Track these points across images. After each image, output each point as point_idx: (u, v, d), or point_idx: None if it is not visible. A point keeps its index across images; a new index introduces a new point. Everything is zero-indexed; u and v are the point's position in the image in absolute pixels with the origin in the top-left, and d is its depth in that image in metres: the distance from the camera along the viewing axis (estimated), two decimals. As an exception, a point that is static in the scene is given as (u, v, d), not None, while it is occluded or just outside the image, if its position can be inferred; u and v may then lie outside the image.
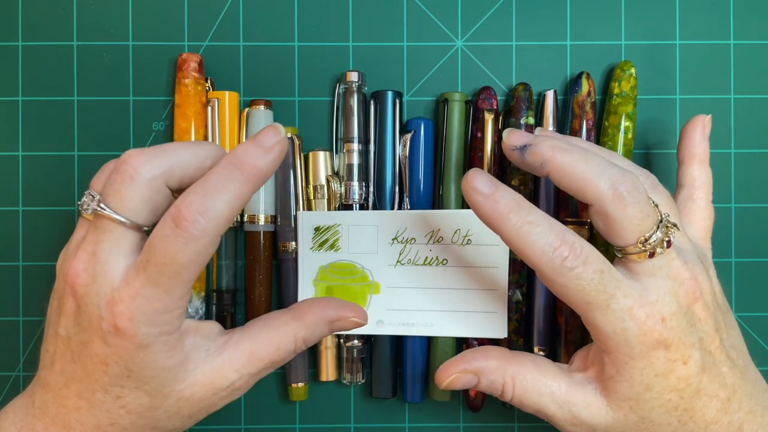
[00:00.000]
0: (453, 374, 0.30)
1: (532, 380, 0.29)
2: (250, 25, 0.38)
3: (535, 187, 0.37)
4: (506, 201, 0.28)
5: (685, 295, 0.28)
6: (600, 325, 0.28)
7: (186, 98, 0.37)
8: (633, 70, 0.36)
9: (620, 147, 0.36)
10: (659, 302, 0.28)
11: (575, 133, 0.36)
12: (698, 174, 0.33)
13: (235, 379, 0.28)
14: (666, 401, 0.28)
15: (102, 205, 0.26)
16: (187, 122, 0.37)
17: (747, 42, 0.38)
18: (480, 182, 0.28)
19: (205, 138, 0.37)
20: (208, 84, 0.37)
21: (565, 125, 0.37)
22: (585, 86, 0.36)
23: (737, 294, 0.38)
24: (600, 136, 0.37)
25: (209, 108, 0.37)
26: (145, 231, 0.27)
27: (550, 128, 0.37)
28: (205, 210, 0.25)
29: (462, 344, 0.37)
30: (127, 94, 0.38)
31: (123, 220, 0.26)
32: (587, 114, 0.36)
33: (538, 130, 0.32)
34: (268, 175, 0.27)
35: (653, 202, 0.28)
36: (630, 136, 0.36)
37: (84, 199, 0.27)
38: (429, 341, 0.37)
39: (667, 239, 0.28)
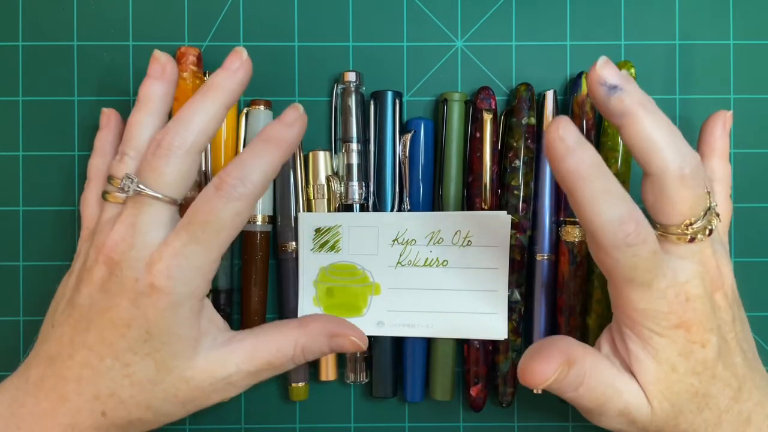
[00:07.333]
0: (556, 370, 0.28)
1: (601, 370, 0.29)
2: (250, 25, 0.38)
3: (535, 186, 0.37)
4: (592, 162, 0.26)
5: (711, 282, 0.29)
6: (633, 300, 0.28)
7: (184, 92, 0.36)
8: (633, 70, 0.36)
9: (620, 147, 0.36)
10: (688, 283, 0.28)
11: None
12: (718, 168, 0.33)
13: (232, 372, 0.30)
14: (689, 386, 0.28)
15: (141, 186, 0.29)
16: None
17: (747, 42, 0.38)
18: (569, 133, 0.25)
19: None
20: (206, 78, 0.37)
21: (565, 125, 0.37)
22: (585, 86, 0.36)
23: (737, 294, 0.38)
24: (600, 136, 0.37)
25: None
26: (179, 205, 0.30)
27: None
28: (243, 176, 0.28)
29: (462, 345, 0.37)
30: (127, 94, 0.38)
31: (161, 196, 0.29)
32: (587, 114, 0.36)
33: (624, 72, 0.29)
34: (294, 147, 0.30)
35: (707, 189, 0.28)
36: (630, 136, 0.36)
37: (124, 182, 0.29)
38: (429, 341, 0.37)
39: (709, 228, 0.28)
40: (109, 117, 0.35)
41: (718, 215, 0.28)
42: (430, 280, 0.36)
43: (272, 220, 0.37)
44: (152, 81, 0.31)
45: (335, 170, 0.37)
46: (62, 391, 0.29)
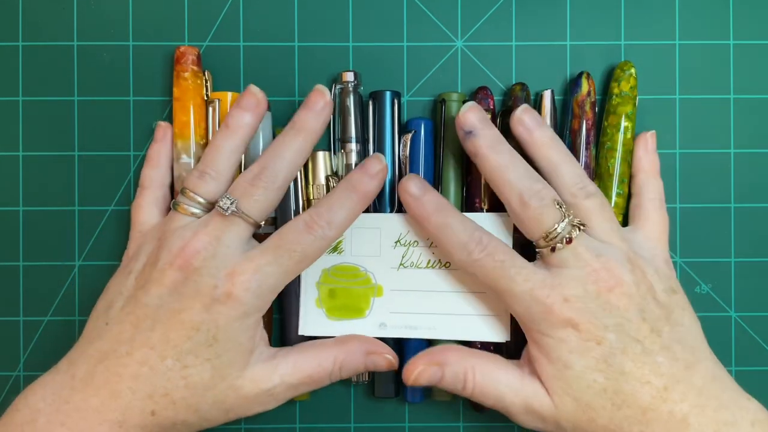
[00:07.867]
0: (419, 368, 0.32)
1: (491, 370, 0.32)
2: (250, 25, 0.38)
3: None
4: (431, 204, 0.33)
5: (595, 283, 0.30)
6: (511, 306, 0.32)
7: (185, 92, 0.36)
8: (633, 70, 0.36)
9: (620, 147, 0.36)
10: (561, 285, 0.31)
11: (575, 133, 0.36)
12: (643, 183, 0.36)
13: (276, 384, 0.32)
14: (592, 381, 0.30)
15: (238, 208, 0.32)
16: (186, 116, 0.36)
17: (747, 42, 0.38)
18: (412, 186, 0.33)
19: (206, 136, 0.37)
20: (206, 77, 0.37)
21: (564, 125, 0.37)
22: (585, 86, 0.36)
23: (737, 294, 0.38)
24: (600, 136, 0.37)
25: (210, 109, 0.37)
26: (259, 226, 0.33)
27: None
28: (331, 220, 0.32)
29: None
30: (127, 94, 0.38)
31: (252, 220, 0.32)
32: (587, 114, 0.36)
33: (521, 107, 0.34)
34: (375, 195, 0.34)
35: (561, 207, 0.31)
36: (629, 136, 0.36)
37: (222, 201, 0.32)
38: (430, 342, 0.37)
39: (568, 236, 0.31)
40: (165, 131, 0.37)
41: (580, 225, 0.31)
42: (432, 282, 0.36)
43: (273, 221, 0.37)
44: (244, 112, 0.34)
45: (335, 170, 0.37)
46: (115, 387, 0.30)
